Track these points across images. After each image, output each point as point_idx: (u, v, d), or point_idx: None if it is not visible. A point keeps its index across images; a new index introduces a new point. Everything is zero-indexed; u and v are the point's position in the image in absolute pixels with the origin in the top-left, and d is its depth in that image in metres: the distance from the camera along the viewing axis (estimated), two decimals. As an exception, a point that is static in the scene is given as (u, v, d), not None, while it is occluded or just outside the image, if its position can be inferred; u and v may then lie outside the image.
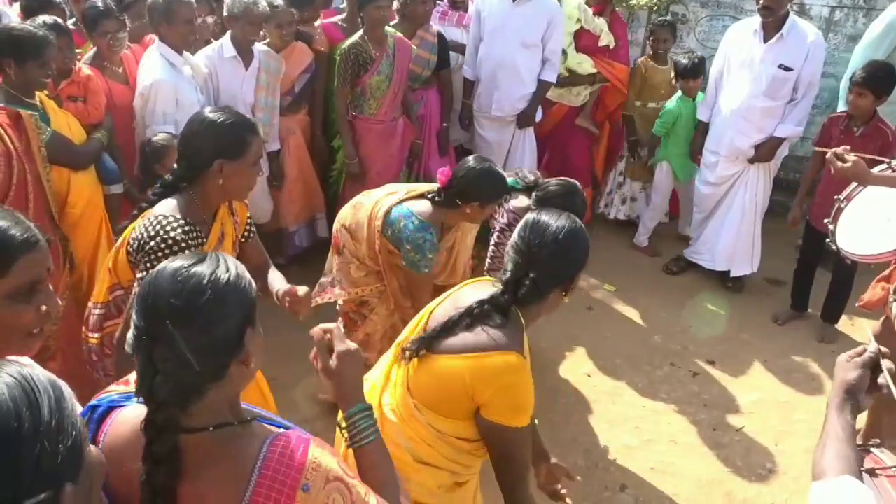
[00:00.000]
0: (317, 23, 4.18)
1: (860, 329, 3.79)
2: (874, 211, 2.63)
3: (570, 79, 4.36)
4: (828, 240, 2.75)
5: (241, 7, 3.35)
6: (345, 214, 2.83)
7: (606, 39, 4.33)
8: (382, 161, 3.94)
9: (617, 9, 4.61)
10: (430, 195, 2.65)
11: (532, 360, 1.67)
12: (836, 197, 2.72)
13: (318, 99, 4.02)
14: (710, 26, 4.82)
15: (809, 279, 3.87)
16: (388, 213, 2.63)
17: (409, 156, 4.13)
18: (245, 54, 3.52)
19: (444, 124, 4.34)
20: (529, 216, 1.69)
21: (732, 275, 4.20)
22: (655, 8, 4.81)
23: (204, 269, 1.06)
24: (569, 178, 2.95)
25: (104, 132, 3.05)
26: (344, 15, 3.98)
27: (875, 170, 2.60)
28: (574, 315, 3.96)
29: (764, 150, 3.96)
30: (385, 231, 2.64)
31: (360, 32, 3.76)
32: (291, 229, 4.04)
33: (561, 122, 4.53)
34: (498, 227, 3.01)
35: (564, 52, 4.27)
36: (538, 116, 4.37)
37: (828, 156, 2.60)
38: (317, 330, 1.30)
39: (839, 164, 2.59)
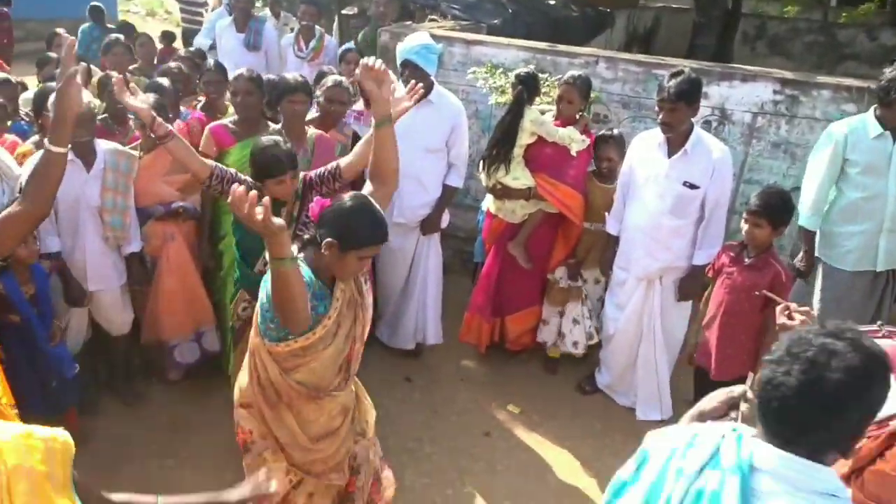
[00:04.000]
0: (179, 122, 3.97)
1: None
2: None
3: (503, 190, 3.98)
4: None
5: None
6: None
7: (576, 149, 3.90)
8: None
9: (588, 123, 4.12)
10: None
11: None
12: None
13: (203, 206, 3.78)
14: (633, 128, 4.65)
15: None
16: None
17: None
18: (85, 156, 3.31)
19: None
20: None
21: (639, 418, 3.89)
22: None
23: None
24: None
25: None
26: (235, 117, 3.77)
27: None
28: (468, 441, 3.66)
29: (688, 284, 3.68)
30: None
31: (278, 126, 3.59)
32: (171, 343, 3.75)
33: (501, 236, 4.17)
34: None
35: (507, 167, 3.94)
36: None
37: (777, 309, 2.27)
38: None
39: (786, 321, 2.25)
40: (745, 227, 3.12)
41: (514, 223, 4.10)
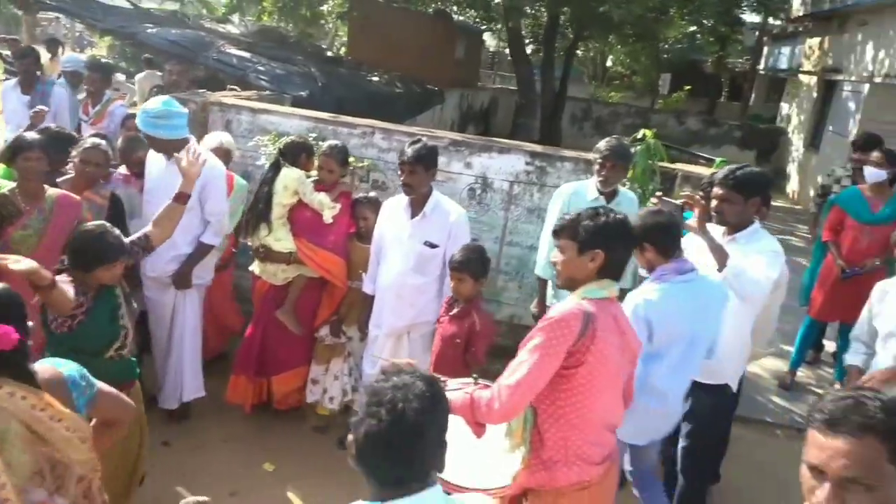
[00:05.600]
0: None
1: None
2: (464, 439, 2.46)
3: (265, 253, 4.15)
4: None
5: None
6: None
7: (329, 214, 4.11)
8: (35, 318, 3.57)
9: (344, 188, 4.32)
10: None
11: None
12: None
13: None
14: (406, 194, 4.97)
15: None
16: None
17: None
18: None
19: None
20: None
21: None
22: (353, 170, 4.91)
23: None
24: None
25: None
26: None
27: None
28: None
29: None
30: None
31: (14, 185, 3.54)
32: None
33: (265, 297, 4.28)
34: None
35: (269, 226, 4.12)
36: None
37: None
38: None
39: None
40: (451, 283, 3.40)
41: (279, 285, 4.23)
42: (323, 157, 4.17)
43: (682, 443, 3.38)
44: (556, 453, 2.37)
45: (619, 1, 8.90)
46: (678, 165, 4.67)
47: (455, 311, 3.40)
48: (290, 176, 4.13)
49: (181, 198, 3.33)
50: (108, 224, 2.94)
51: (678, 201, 3.18)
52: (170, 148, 3.91)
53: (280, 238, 4.10)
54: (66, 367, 2.23)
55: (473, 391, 2.33)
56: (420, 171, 3.74)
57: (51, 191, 3.62)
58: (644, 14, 9.79)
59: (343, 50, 16.00)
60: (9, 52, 10.27)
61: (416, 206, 3.86)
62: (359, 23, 13.37)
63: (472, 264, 3.31)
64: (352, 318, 4.25)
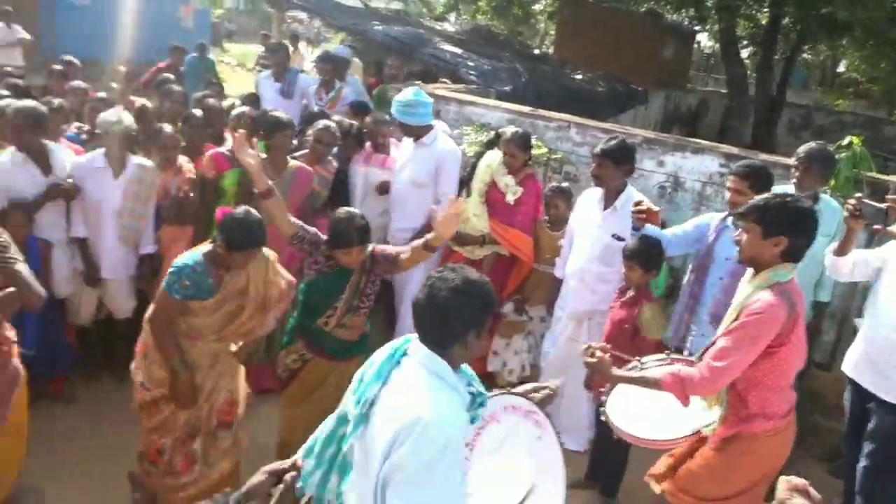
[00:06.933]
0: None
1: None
2: (641, 401, 2.81)
3: (458, 238, 4.50)
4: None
5: (104, 126, 3.94)
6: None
7: (511, 196, 4.48)
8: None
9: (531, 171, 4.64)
10: None
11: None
12: (600, 389, 2.99)
13: (200, 222, 4.38)
14: (597, 189, 5.14)
15: None
16: None
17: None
18: (116, 164, 3.98)
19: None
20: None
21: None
22: (547, 161, 5.18)
23: None
24: None
25: None
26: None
27: (625, 369, 2.86)
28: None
29: None
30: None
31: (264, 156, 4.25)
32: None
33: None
34: None
35: (468, 191, 4.56)
36: None
37: (583, 349, 2.86)
38: None
39: (588, 358, 2.79)
40: (623, 270, 3.55)
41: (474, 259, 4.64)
42: (505, 142, 4.51)
43: (862, 462, 3.26)
44: (757, 410, 2.63)
45: (844, 2, 8.20)
46: (894, 177, 4.37)
47: (625, 297, 3.55)
48: (492, 156, 4.54)
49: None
50: (357, 214, 3.14)
51: (882, 205, 3.07)
52: (417, 133, 4.49)
53: (477, 214, 4.50)
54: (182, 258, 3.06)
55: (680, 370, 2.62)
56: (608, 166, 3.91)
57: (292, 163, 4.30)
58: (874, 16, 8.89)
59: (552, 48, 16.27)
60: (262, 46, 11.85)
61: (609, 199, 4.04)
62: (567, 21, 13.55)
63: (640, 254, 3.44)
64: (536, 298, 4.55)
